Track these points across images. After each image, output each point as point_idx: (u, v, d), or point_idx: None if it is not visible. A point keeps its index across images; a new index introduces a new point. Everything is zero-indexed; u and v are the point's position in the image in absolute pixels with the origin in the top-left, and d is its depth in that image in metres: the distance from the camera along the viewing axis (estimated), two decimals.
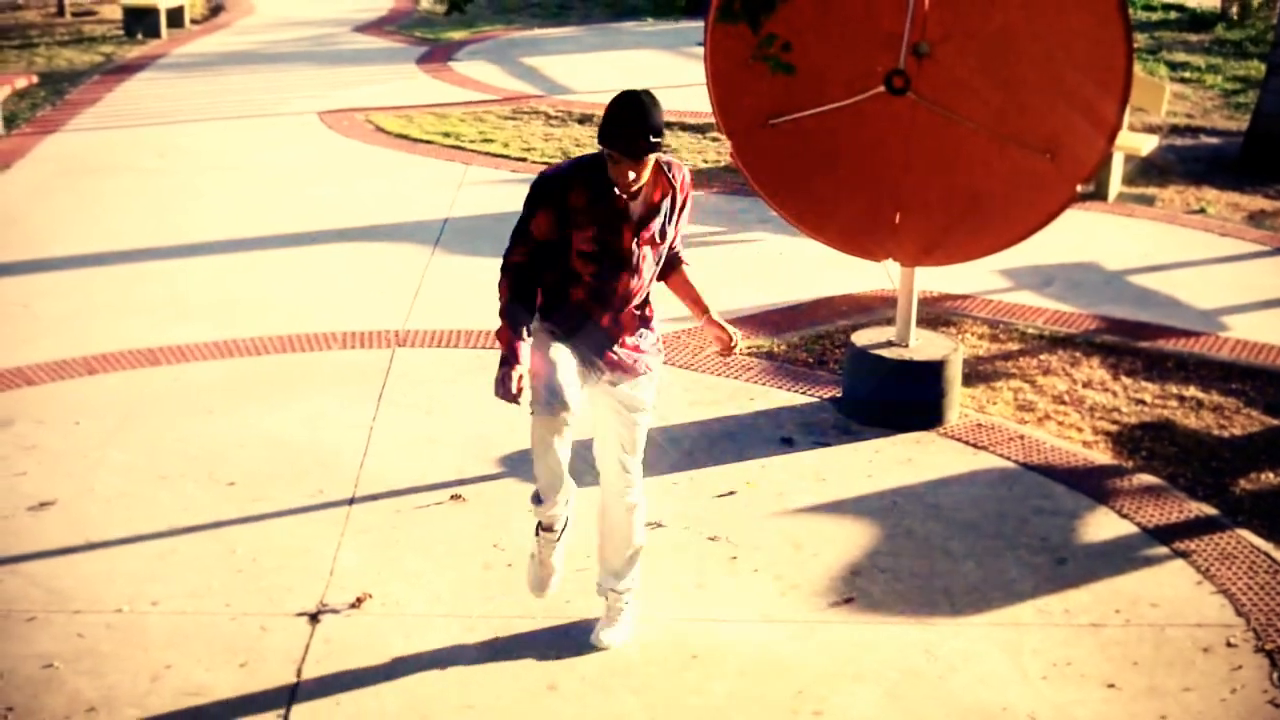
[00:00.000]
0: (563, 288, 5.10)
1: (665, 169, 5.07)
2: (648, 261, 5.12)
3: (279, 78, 16.08)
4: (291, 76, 16.17)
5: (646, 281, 5.17)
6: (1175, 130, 13.94)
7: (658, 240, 5.11)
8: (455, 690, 5.23)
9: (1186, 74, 16.46)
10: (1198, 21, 19.59)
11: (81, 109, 14.40)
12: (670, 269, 5.35)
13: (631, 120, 4.77)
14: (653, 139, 4.79)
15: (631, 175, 4.87)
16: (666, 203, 5.09)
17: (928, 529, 6.40)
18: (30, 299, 9.00)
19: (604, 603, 5.56)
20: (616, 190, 4.93)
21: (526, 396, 4.93)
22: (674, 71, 16.24)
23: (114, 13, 20.02)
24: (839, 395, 7.65)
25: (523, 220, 5.06)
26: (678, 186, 5.10)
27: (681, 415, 7.36)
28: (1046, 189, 6.98)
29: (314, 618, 5.64)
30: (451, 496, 6.59)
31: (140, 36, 18.59)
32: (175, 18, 19.38)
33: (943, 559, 6.16)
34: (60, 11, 20.51)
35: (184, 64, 16.95)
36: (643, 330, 5.26)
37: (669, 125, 13.51)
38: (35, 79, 14.87)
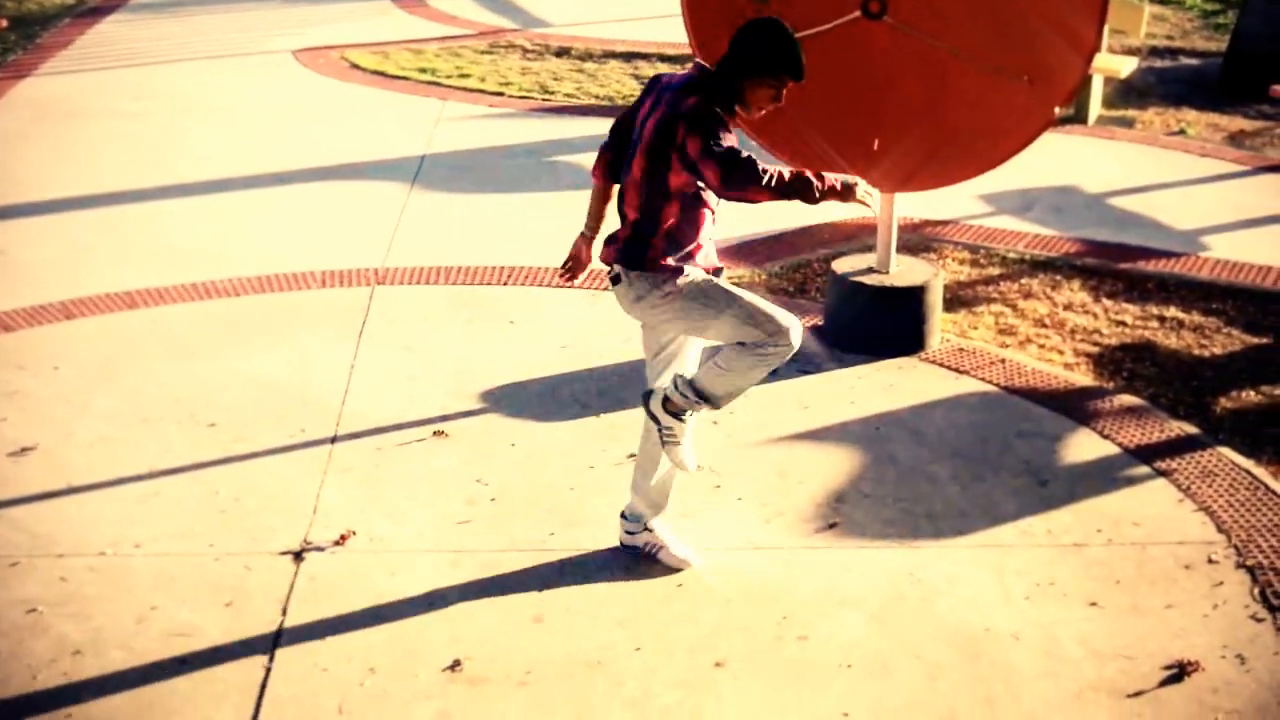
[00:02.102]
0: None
1: None
2: None
3: (252, 17, 15.93)
4: (265, 15, 16.02)
5: None
6: (1155, 52, 13.89)
7: None
8: (441, 625, 5.24)
9: None
10: None
11: (54, 53, 14.25)
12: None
13: (792, 43, 5.04)
14: None
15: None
16: None
17: (911, 454, 6.41)
18: (8, 245, 8.94)
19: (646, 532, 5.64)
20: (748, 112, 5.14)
21: None
22: (650, 2, 16.12)
23: None
24: (821, 323, 7.65)
25: (732, 147, 4.97)
26: None
27: None
28: (1025, 112, 6.95)
29: (298, 556, 5.64)
30: (434, 433, 6.58)
31: None
32: None
33: (926, 483, 6.18)
34: None
35: (156, 5, 16.77)
36: None
37: (646, 56, 13.45)
38: (6, 23, 14.73)
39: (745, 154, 4.92)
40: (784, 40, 5.03)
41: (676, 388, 5.27)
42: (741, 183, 4.92)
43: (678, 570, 5.55)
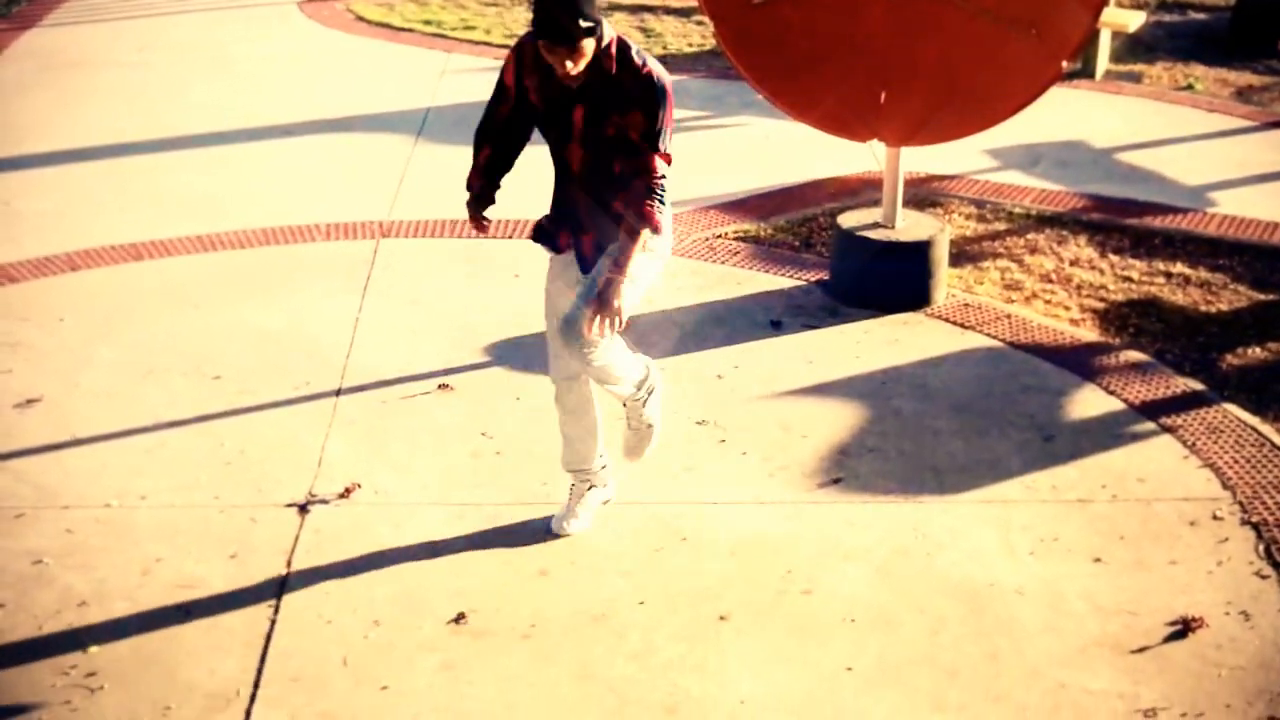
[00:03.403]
0: None
1: (619, 57, 4.76)
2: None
3: None
4: None
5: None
6: (1163, 6, 13.80)
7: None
8: (445, 577, 5.25)
9: None
10: None
11: (58, 4, 14.20)
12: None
13: (554, 5, 4.53)
14: (581, 23, 4.53)
15: (569, 64, 4.64)
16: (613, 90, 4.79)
17: (915, 409, 6.40)
18: (12, 196, 8.93)
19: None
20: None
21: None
22: None
23: None
24: (826, 278, 7.63)
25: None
26: (624, 79, 4.75)
27: (668, 301, 7.33)
28: (1032, 67, 6.90)
29: (303, 508, 5.65)
30: (439, 386, 6.58)
31: None
32: None
33: (930, 438, 6.17)
34: None
35: None
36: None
37: (653, 9, 13.39)
38: None
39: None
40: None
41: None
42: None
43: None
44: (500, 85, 5.11)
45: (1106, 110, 10.66)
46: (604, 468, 5.57)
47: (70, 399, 6.46)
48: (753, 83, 7.47)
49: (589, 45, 4.64)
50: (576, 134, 4.90)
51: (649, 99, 4.74)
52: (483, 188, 5.27)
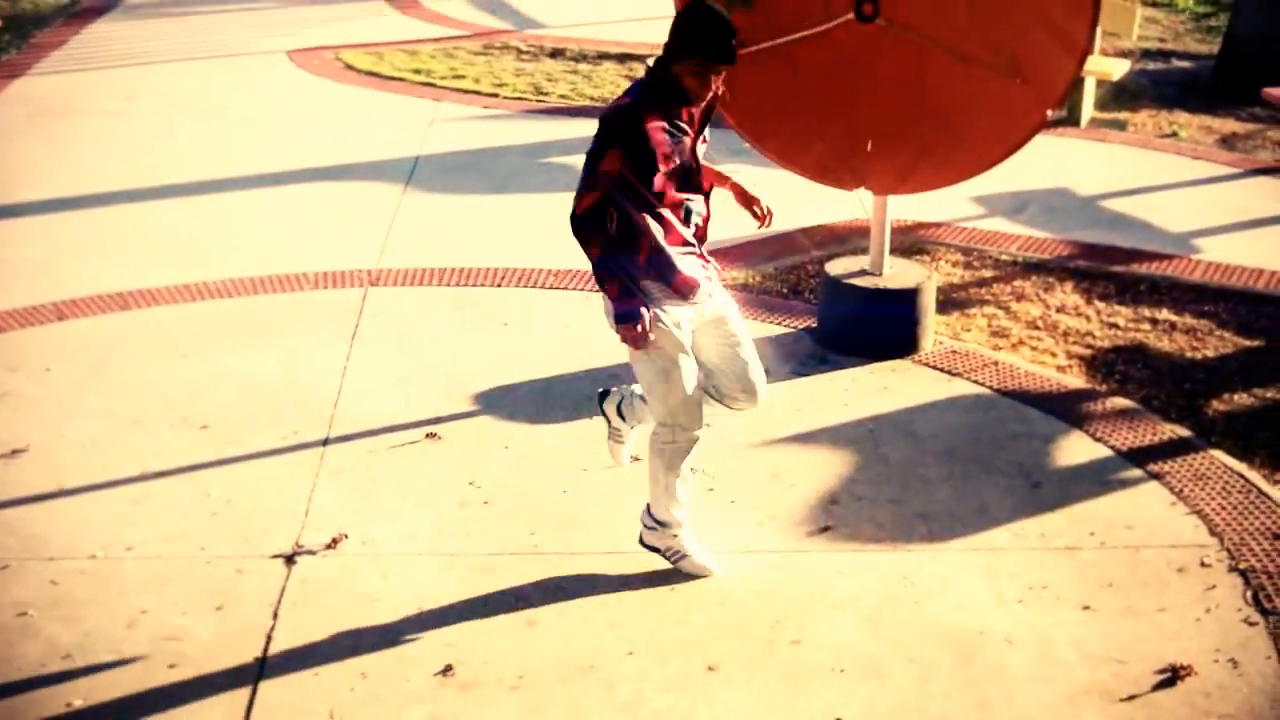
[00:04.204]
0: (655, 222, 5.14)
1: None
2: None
3: (247, 17, 15.92)
4: (259, 15, 16.01)
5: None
6: (1147, 54, 13.89)
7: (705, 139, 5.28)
8: (433, 629, 5.23)
9: None
10: None
11: (48, 52, 14.24)
12: None
13: (722, 25, 4.91)
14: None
15: (718, 82, 5.01)
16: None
17: (904, 456, 6.40)
18: (0, 244, 8.93)
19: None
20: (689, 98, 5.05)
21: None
22: (646, 4, 16.11)
23: None
24: (814, 325, 7.65)
25: (592, 155, 5.02)
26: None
27: None
28: (1017, 114, 6.94)
29: (290, 559, 5.63)
30: (427, 435, 6.57)
31: None
32: None
33: (919, 486, 6.17)
34: None
35: (151, 4, 16.75)
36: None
37: (641, 58, 13.45)
38: (0, 23, 14.71)
39: (594, 174, 4.97)
40: (707, 22, 4.94)
41: (627, 402, 5.62)
42: (576, 197, 5.05)
43: (698, 577, 5.53)
44: (604, 177, 5.05)
45: (1092, 157, 10.71)
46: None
47: (57, 449, 6.45)
48: (740, 131, 7.50)
49: None
50: (699, 168, 5.29)
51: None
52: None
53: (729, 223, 9.27)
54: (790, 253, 8.79)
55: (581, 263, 5.63)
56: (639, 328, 5.03)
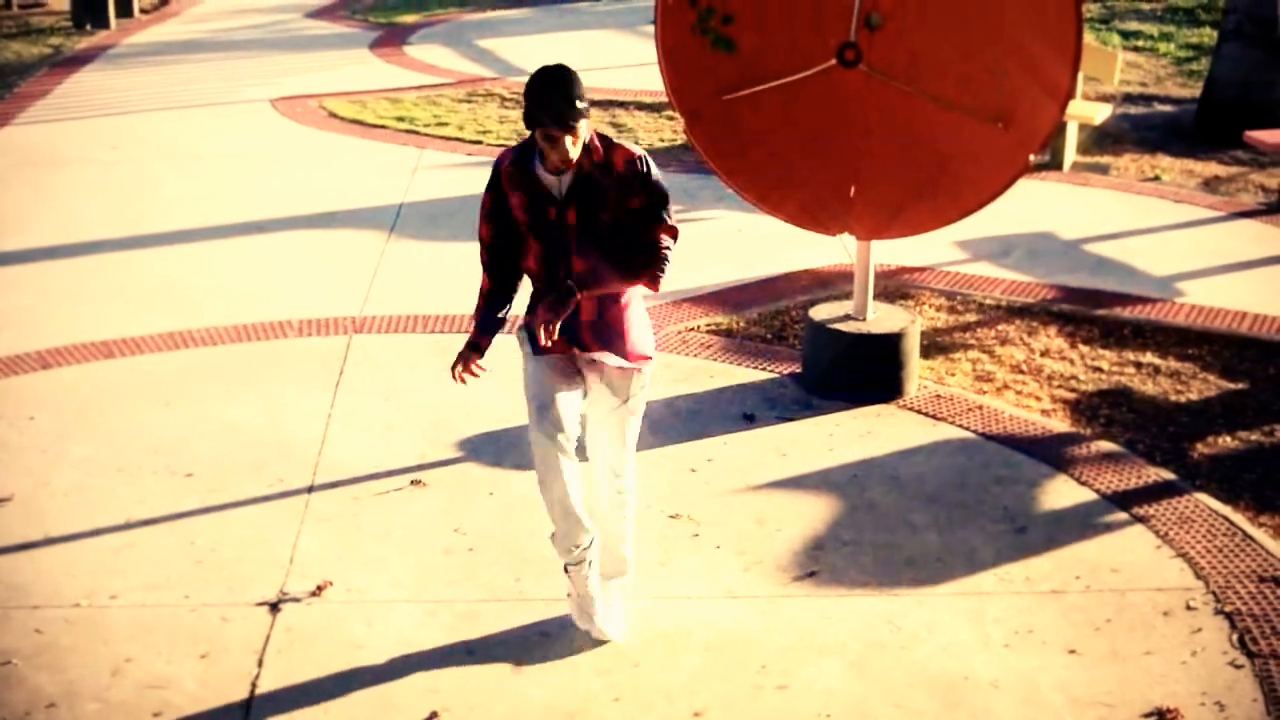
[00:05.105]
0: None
1: (601, 143, 5.00)
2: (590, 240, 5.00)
3: (231, 66, 15.97)
4: (243, 64, 16.07)
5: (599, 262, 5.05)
6: (1129, 99, 13.98)
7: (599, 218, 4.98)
8: (419, 676, 5.21)
9: (1139, 42, 16.49)
10: None
11: (32, 101, 14.27)
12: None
13: (553, 90, 4.79)
14: (578, 105, 4.77)
15: (567, 145, 4.82)
16: (604, 178, 4.97)
17: (889, 501, 6.41)
18: None
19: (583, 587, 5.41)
20: (546, 166, 4.94)
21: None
22: (629, 51, 16.22)
23: (61, 3, 19.84)
24: (799, 370, 7.66)
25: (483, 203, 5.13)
26: (615, 161, 4.97)
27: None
28: (1000, 159, 6.98)
29: (274, 607, 5.61)
30: (411, 482, 6.56)
31: (89, 27, 18.41)
32: (124, 7, 19.17)
33: (904, 530, 6.17)
34: (7, 4, 20.30)
35: (134, 54, 16.82)
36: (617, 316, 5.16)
37: (624, 104, 13.50)
38: None
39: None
40: (539, 84, 4.86)
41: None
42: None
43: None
44: (486, 211, 5.19)
45: (1075, 201, 10.76)
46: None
47: (41, 497, 6.42)
48: (724, 177, 7.52)
49: (584, 128, 4.83)
50: (573, 237, 4.96)
51: (644, 177, 4.97)
52: (484, 321, 5.30)
53: (713, 268, 9.30)
54: (774, 298, 8.81)
55: None
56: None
